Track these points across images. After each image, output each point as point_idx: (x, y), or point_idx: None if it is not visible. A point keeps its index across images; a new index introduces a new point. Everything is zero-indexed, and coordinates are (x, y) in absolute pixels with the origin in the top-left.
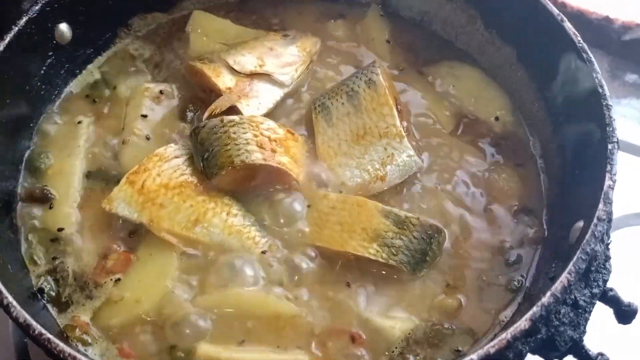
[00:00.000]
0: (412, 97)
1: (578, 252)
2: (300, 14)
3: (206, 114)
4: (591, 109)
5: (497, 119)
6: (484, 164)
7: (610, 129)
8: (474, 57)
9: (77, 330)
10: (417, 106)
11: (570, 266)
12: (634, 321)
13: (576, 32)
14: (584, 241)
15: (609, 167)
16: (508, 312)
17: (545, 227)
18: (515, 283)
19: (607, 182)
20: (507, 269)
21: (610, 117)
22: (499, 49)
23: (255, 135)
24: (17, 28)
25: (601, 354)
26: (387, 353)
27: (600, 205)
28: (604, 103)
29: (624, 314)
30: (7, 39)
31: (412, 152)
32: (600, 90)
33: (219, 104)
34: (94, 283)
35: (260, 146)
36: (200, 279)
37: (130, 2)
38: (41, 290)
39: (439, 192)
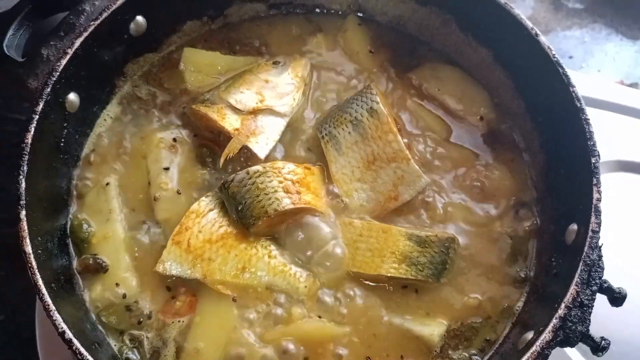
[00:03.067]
0: (404, 109)
1: (580, 265)
2: (281, 34)
3: (222, 160)
4: (569, 119)
5: (481, 118)
6: (478, 165)
7: (591, 143)
8: (452, 57)
9: None
10: (411, 117)
11: (575, 278)
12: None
13: (550, 46)
14: (584, 254)
15: (595, 181)
16: (520, 304)
17: (538, 219)
18: (521, 275)
19: (596, 196)
20: (512, 263)
21: (591, 132)
22: (475, 50)
23: (280, 182)
24: (36, 115)
25: (603, 338)
26: (428, 354)
27: (593, 219)
28: (582, 117)
29: (616, 299)
30: (32, 129)
31: (419, 172)
32: (578, 105)
33: (232, 148)
34: (163, 323)
35: (287, 191)
36: (258, 319)
37: (122, 51)
38: (127, 359)
39: (445, 200)
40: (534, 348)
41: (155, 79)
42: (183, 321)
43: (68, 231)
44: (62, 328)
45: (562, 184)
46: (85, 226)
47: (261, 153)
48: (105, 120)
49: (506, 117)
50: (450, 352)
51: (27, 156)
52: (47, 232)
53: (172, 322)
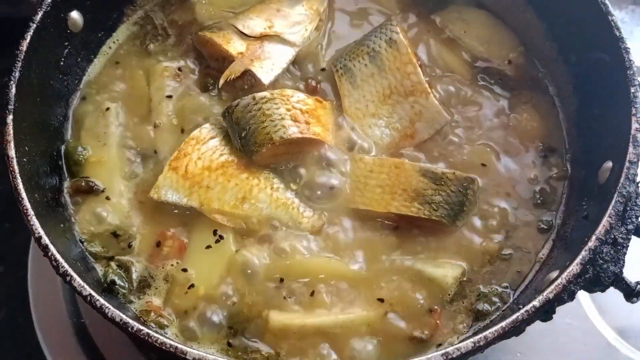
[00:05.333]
0: (427, 49)
1: (615, 195)
2: None
3: (221, 81)
4: (607, 51)
5: (509, 62)
6: (504, 108)
7: (631, 72)
8: (480, 0)
9: (152, 314)
10: (433, 58)
11: (610, 209)
12: None
13: None
14: (619, 184)
15: (634, 111)
16: (545, 251)
17: (568, 166)
18: (547, 222)
19: (634, 126)
20: (537, 209)
21: (630, 60)
22: None
23: (288, 109)
24: (34, 24)
25: (639, 283)
26: (441, 296)
27: (631, 149)
28: (622, 47)
29: None
30: (28, 37)
31: (439, 108)
32: (617, 34)
33: (233, 70)
34: (155, 268)
35: (295, 120)
36: (257, 251)
37: None
38: (112, 283)
39: (466, 142)
40: (559, 280)
41: (165, 12)
42: (172, 265)
43: (62, 153)
44: (39, 233)
45: (595, 125)
46: (80, 149)
47: (265, 78)
48: (110, 47)
49: (536, 61)
50: (480, 286)
51: (20, 62)
52: (38, 148)
53: (163, 266)
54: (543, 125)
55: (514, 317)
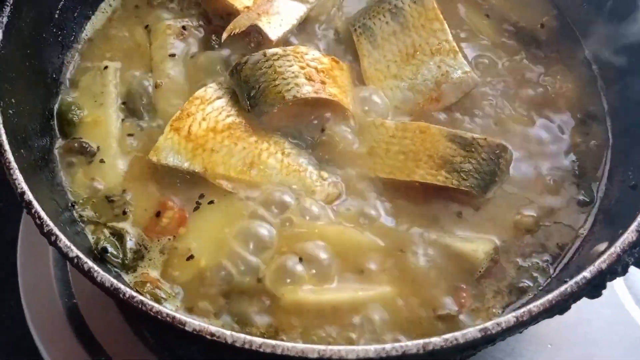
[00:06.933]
0: (453, 11)
1: None
2: None
3: (224, 35)
4: None
5: (542, 25)
6: (538, 73)
7: None
8: None
9: (148, 285)
10: (460, 20)
11: None
12: None
13: None
14: None
15: None
16: (587, 225)
17: (610, 133)
18: (588, 194)
19: None
20: (576, 180)
21: None
22: None
23: (302, 67)
24: None
25: None
26: (471, 273)
27: None
28: None
29: None
30: None
31: (467, 68)
32: None
33: (238, 23)
34: (151, 240)
35: (309, 78)
36: (267, 222)
37: None
38: (104, 251)
39: (497, 107)
40: (612, 249)
41: None
42: (170, 239)
43: (55, 112)
44: (21, 188)
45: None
46: (74, 108)
47: (272, 34)
48: (110, 5)
49: (572, 24)
50: (519, 260)
51: (9, 7)
52: (28, 104)
53: (159, 240)
54: (580, 91)
55: (562, 289)
